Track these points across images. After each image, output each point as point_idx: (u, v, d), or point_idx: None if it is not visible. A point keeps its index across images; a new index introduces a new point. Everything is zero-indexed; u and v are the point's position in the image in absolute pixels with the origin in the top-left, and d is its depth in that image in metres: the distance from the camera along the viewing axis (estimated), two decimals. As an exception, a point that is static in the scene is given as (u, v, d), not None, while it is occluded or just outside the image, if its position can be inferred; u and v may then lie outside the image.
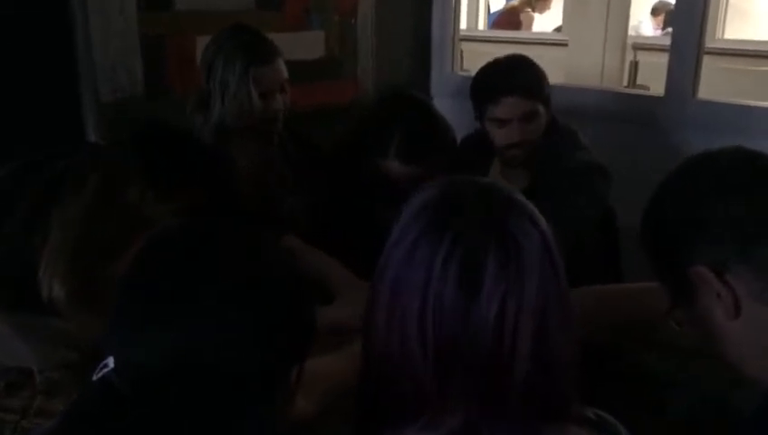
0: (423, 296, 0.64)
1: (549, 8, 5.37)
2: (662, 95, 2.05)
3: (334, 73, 2.35)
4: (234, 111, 1.52)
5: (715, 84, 2.34)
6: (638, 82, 3.21)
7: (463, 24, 5.67)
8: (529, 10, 5.38)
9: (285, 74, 1.60)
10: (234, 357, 0.61)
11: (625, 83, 3.25)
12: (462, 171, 1.75)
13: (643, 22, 5.49)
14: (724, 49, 3.47)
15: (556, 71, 3.62)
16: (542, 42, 4.15)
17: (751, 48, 3.63)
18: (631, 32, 5.10)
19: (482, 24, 5.95)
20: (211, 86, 1.54)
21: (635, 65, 3.23)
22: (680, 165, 0.85)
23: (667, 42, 2.05)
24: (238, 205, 1.56)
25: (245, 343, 0.62)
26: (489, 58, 1.70)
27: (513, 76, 1.60)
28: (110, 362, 0.59)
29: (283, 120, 1.63)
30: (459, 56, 3.96)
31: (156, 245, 0.67)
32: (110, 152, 0.98)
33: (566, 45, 3.57)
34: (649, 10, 5.47)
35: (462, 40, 4.25)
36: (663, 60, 2.06)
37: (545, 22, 5.51)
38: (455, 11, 2.65)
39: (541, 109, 1.59)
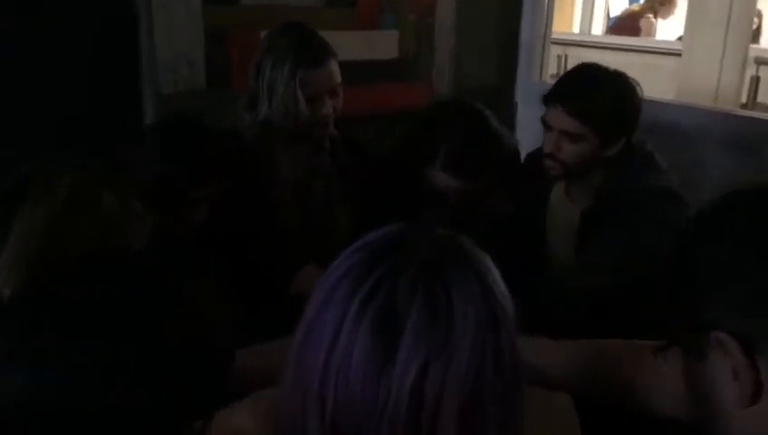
0: (330, 346, 0.54)
1: (672, 14, 4.97)
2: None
3: (408, 75, 2.25)
4: (279, 115, 1.45)
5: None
6: (759, 99, 2.87)
7: (576, 28, 5.41)
8: (650, 16, 5.01)
9: (337, 78, 1.50)
10: (109, 407, 0.53)
11: (744, 100, 2.92)
12: (522, 186, 1.65)
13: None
14: None
15: (670, 82, 3.34)
16: (654, 51, 3.83)
17: None
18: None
19: (600, 29, 5.63)
20: (259, 85, 1.47)
21: (756, 81, 2.88)
22: (733, 193, 0.66)
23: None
24: (273, 214, 1.51)
25: (124, 391, 0.54)
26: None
27: (571, 88, 1.44)
28: None
29: (333, 124, 1.54)
30: (561, 62, 3.75)
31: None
32: (90, 157, 0.94)
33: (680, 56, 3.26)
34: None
35: (566, 44, 4.03)
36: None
37: (672, 29, 5.12)
38: (547, 12, 2.47)
39: (589, 135, 1.41)
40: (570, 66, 3.67)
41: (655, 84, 3.62)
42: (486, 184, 1.50)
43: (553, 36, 4.18)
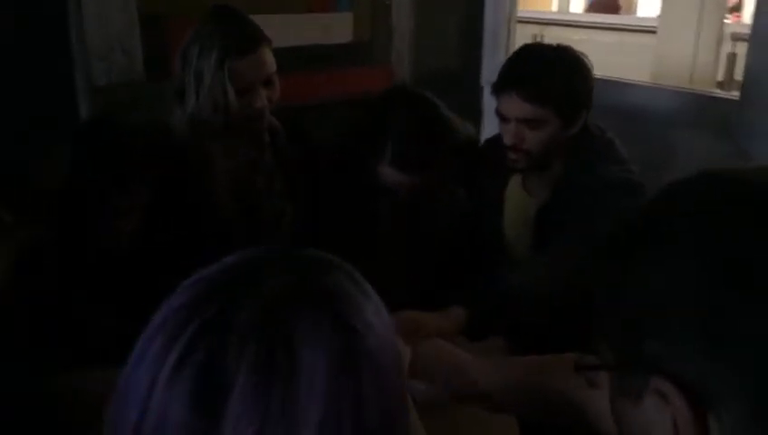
0: (139, 415, 0.43)
1: (653, -10, 4.87)
2: (737, 98, 1.70)
3: (364, 60, 2.14)
4: (208, 108, 1.34)
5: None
6: (737, 77, 2.78)
7: (555, 6, 5.30)
8: (631, -8, 4.91)
9: (271, 66, 1.39)
10: None
11: (720, 78, 2.83)
12: (478, 176, 1.56)
13: None
14: None
15: (645, 60, 3.24)
16: (632, 29, 3.73)
17: None
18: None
19: (579, 7, 5.51)
20: (186, 76, 1.37)
21: (733, 58, 2.79)
22: (681, 186, 0.50)
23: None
24: (211, 214, 1.41)
25: None
26: (574, 45, 1.45)
27: (518, 71, 1.36)
28: None
29: (269, 115, 1.44)
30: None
31: None
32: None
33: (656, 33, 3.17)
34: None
35: (542, 24, 3.93)
36: None
37: (654, 7, 5.01)
38: (512, -11, 2.36)
39: (550, 117, 1.34)
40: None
41: (633, 63, 3.53)
42: (438, 176, 1.41)
43: (527, 15, 4.08)
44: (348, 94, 2.09)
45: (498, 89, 1.37)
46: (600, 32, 4.12)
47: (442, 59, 2.30)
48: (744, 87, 1.66)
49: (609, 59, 3.68)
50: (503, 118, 1.38)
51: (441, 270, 1.46)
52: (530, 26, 4.09)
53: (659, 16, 3.30)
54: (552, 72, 1.35)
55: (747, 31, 3.12)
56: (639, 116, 1.93)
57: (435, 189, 1.43)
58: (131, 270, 1.19)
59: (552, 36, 3.70)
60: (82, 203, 1.14)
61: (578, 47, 1.42)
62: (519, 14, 3.89)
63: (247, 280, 0.46)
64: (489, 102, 2.40)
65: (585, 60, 1.37)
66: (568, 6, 5.06)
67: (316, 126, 1.71)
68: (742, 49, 2.82)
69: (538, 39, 3.71)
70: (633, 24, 3.92)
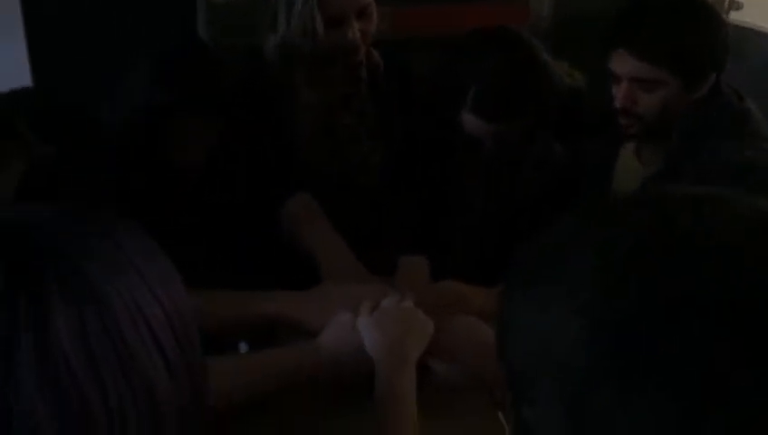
0: None
1: None
2: None
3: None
4: (297, 36, 1.27)
5: None
6: None
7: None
8: None
9: None
10: None
11: None
12: (585, 134, 1.39)
13: None
14: None
15: None
16: None
17: None
18: None
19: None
20: (279, 1, 1.30)
21: None
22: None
23: None
24: (291, 150, 1.36)
25: None
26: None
27: (629, 24, 1.18)
28: None
29: (364, 49, 1.34)
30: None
31: None
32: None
33: None
34: None
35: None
36: None
37: None
38: None
39: (665, 78, 1.16)
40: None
41: None
42: (527, 128, 1.27)
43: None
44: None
45: (608, 43, 1.19)
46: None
47: (591, 2, 2.05)
48: None
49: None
50: (614, 76, 1.21)
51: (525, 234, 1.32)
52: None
53: None
54: (668, 24, 1.16)
55: None
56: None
57: (523, 144, 1.29)
58: (199, 194, 1.17)
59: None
60: (155, 123, 1.13)
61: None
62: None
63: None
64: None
65: (714, 11, 1.16)
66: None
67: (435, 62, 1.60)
68: None
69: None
70: None
